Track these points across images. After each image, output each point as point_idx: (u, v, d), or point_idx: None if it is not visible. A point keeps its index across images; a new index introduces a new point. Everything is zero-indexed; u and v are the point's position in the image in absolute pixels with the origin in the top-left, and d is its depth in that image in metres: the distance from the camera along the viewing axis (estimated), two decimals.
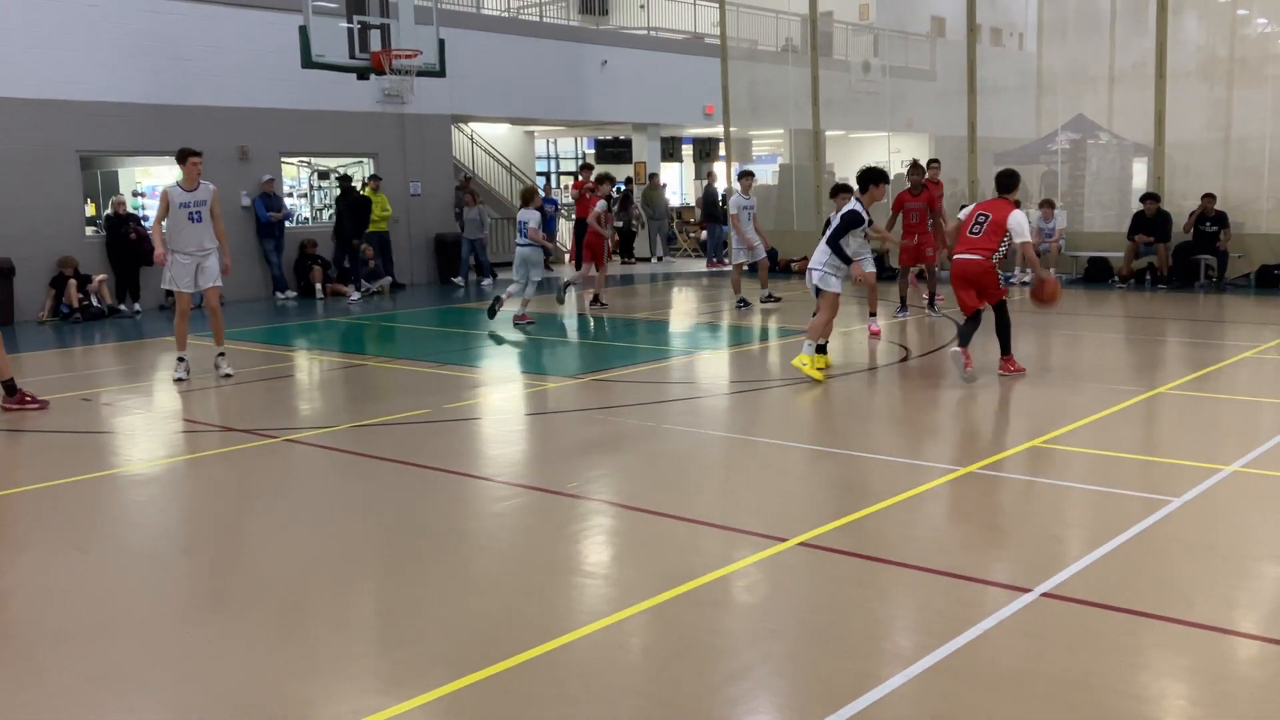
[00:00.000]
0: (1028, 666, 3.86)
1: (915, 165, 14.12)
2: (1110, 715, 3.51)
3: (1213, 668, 3.87)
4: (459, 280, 20.81)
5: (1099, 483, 6.12)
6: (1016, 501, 5.98)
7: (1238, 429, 7.60)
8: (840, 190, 11.11)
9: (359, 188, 19.18)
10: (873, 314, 12.18)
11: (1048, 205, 17.70)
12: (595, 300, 15.76)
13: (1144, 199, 16.73)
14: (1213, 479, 6.09)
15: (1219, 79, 17.88)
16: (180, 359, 10.21)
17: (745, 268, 15.51)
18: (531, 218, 13.70)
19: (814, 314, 9.92)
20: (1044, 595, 4.46)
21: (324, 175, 22.05)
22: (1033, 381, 9.60)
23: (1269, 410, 8.13)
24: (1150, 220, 16.42)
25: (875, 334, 12.07)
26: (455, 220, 21.36)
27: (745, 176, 15.30)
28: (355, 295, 18.10)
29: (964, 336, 9.43)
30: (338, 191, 19.39)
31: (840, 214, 9.90)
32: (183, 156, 10.26)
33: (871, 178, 10.04)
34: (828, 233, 9.88)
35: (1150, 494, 5.90)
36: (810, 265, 9.96)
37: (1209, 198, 16.05)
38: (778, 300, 15.32)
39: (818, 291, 9.81)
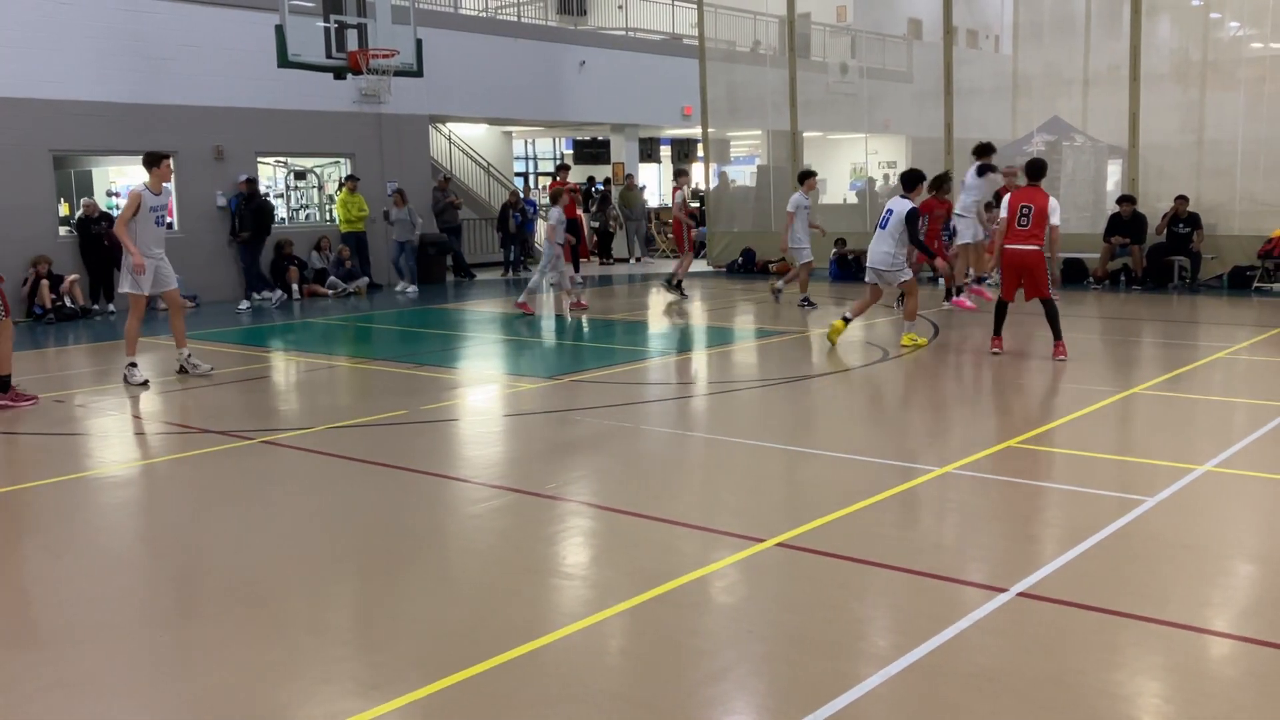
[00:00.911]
0: (1004, 666, 3.88)
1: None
2: (1086, 713, 3.53)
3: (1186, 665, 3.91)
4: (401, 287, 19.50)
5: (1074, 483, 6.17)
6: (993, 501, 6.01)
7: (1211, 429, 7.67)
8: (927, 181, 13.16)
9: (263, 190, 18.58)
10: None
11: None
12: (675, 284, 16.93)
13: (1120, 201, 16.86)
14: (1186, 478, 6.14)
15: (1192, 82, 18.06)
16: (134, 364, 10.07)
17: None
18: (554, 216, 14.72)
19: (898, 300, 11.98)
20: (1020, 595, 4.48)
21: (301, 175, 21.95)
22: (1009, 382, 9.66)
23: (1242, 410, 8.20)
24: (1126, 222, 16.55)
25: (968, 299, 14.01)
26: (435, 220, 21.30)
27: (808, 176, 15.38)
28: (245, 305, 16.94)
29: (998, 326, 10.43)
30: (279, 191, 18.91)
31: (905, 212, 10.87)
32: (157, 159, 10.13)
33: (928, 181, 11.65)
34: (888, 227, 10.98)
35: (1125, 494, 5.94)
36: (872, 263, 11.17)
37: (1181, 199, 16.19)
38: (813, 305, 14.79)
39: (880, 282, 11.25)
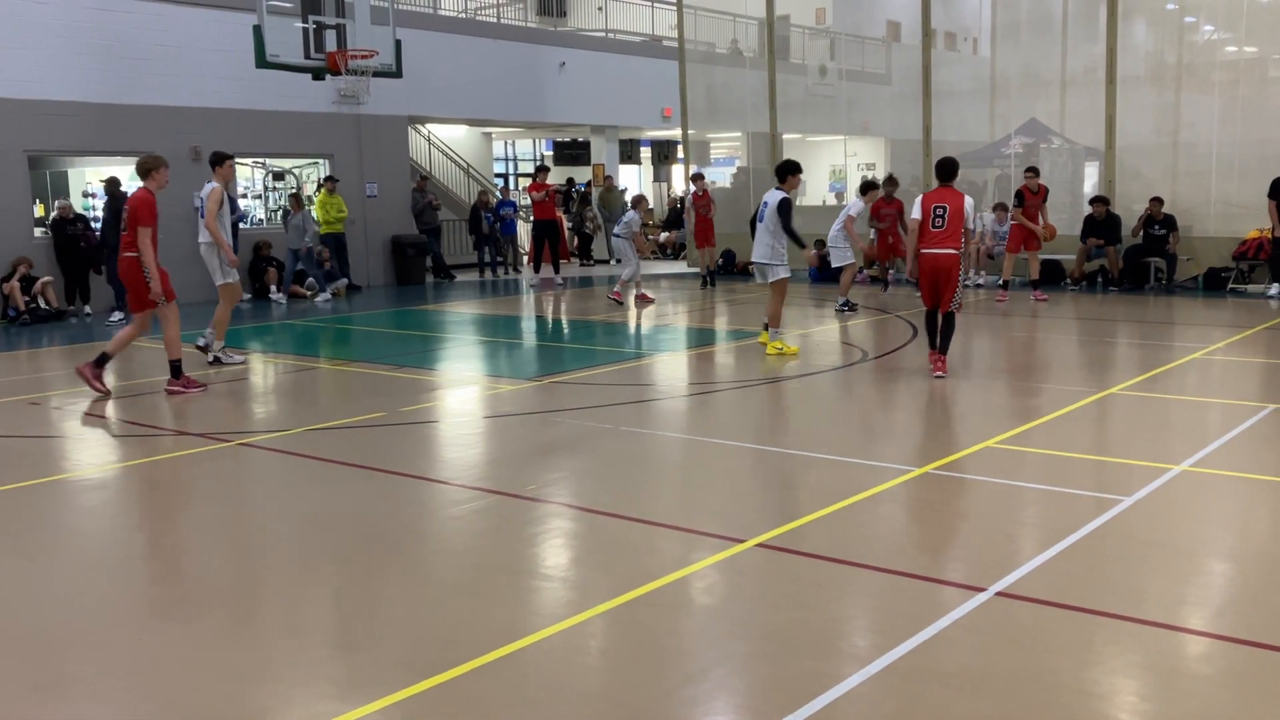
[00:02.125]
0: (983, 665, 3.90)
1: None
2: (1063, 712, 3.55)
3: (1162, 664, 3.94)
4: (277, 296, 18.13)
5: (1052, 482, 6.20)
6: (971, 501, 6.04)
7: (1187, 429, 7.73)
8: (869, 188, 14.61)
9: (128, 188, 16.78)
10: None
11: (1001, 209, 17.90)
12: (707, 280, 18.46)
13: (1093, 202, 16.98)
14: (1163, 478, 6.18)
15: (1167, 84, 18.21)
16: (225, 348, 11.14)
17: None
18: (634, 220, 16.26)
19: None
20: (998, 594, 4.50)
21: (279, 176, 21.84)
22: (986, 382, 9.71)
23: (1217, 410, 8.27)
24: (1100, 223, 16.66)
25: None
26: (414, 221, 21.25)
27: (871, 188, 15.69)
28: (118, 316, 15.22)
29: (932, 338, 9.61)
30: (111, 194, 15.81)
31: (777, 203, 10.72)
32: (222, 159, 11.09)
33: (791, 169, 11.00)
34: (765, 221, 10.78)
35: (1102, 493, 5.98)
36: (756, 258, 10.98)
37: (1156, 201, 16.32)
38: (854, 308, 14.65)
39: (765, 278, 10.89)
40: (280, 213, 20.63)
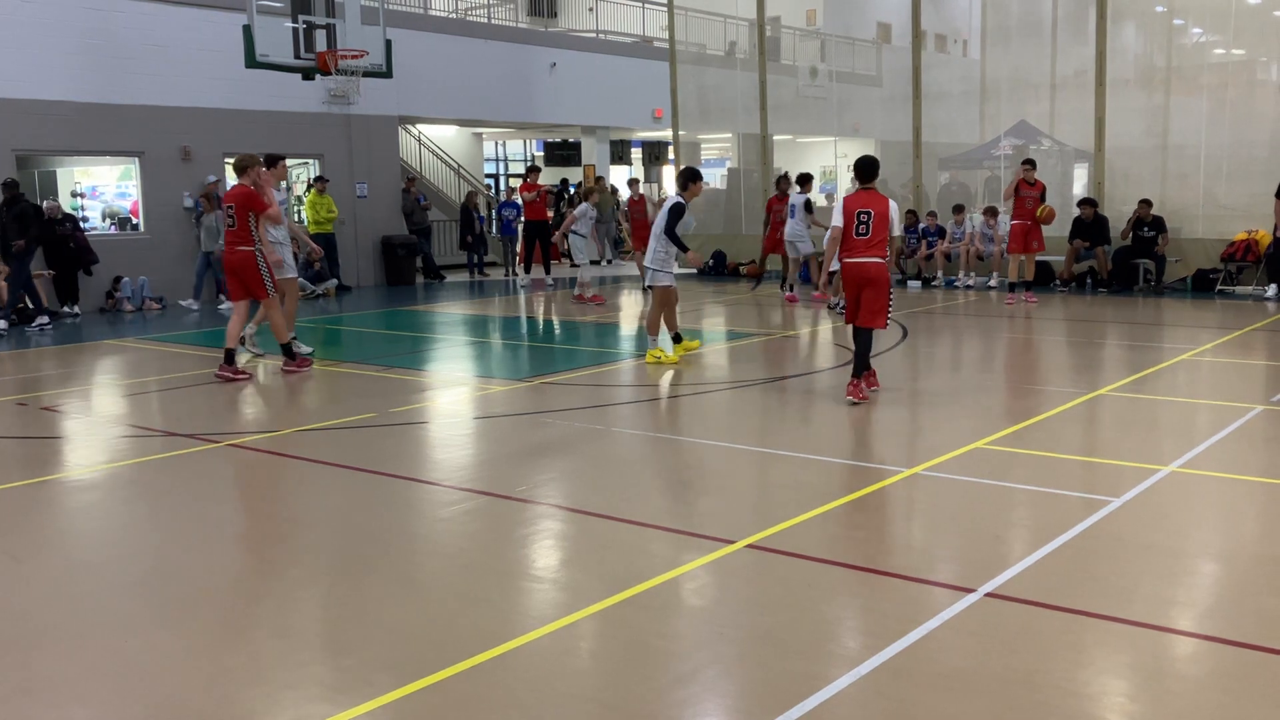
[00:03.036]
0: (972, 665, 3.90)
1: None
2: (1052, 712, 3.56)
3: (1151, 664, 3.94)
4: (190, 304, 17.16)
5: (1041, 483, 6.21)
6: (960, 502, 6.05)
7: (1176, 430, 7.75)
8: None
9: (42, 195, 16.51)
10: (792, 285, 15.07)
11: (991, 212, 17.94)
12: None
13: (1081, 204, 17.02)
14: (1151, 479, 6.20)
15: (1156, 87, 18.27)
16: (294, 336, 11.34)
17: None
18: (588, 212, 16.44)
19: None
20: (988, 595, 4.51)
21: None
22: (976, 383, 9.73)
23: (1205, 411, 8.30)
24: (1088, 225, 16.71)
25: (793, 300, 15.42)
26: (405, 221, 21.21)
27: (807, 180, 15.93)
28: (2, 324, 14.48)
29: (860, 364, 8.59)
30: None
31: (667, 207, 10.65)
32: (275, 160, 11.48)
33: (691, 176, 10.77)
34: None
35: (1091, 494, 6.00)
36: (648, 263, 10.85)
37: (1145, 203, 16.36)
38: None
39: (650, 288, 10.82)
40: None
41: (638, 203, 20.43)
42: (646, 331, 10.80)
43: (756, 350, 11.92)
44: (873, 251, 8.38)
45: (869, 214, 8.37)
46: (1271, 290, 15.28)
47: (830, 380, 10.00)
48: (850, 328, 8.74)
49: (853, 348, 8.73)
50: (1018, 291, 15.25)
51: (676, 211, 10.53)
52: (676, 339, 10.91)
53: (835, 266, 8.90)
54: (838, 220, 8.54)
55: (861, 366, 8.58)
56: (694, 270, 21.73)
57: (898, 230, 8.57)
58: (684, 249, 10.73)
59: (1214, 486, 6.21)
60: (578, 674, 3.99)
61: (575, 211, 16.76)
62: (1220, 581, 4.80)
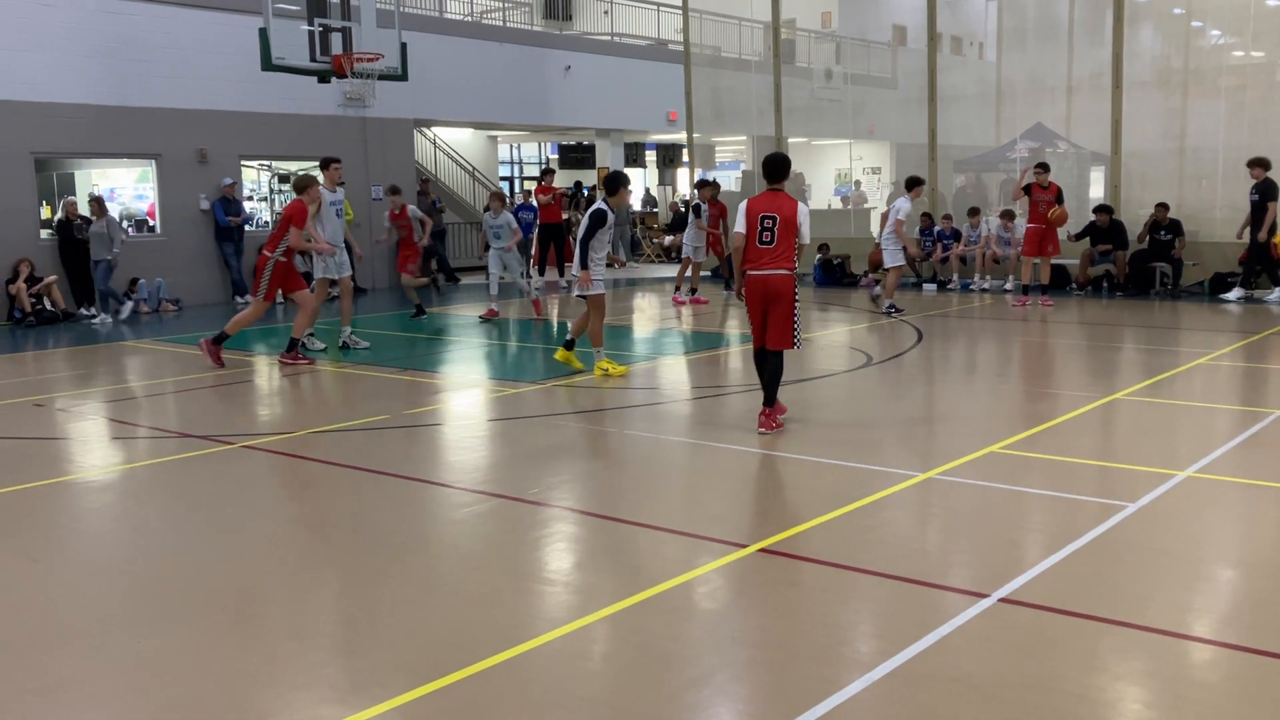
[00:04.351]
0: (986, 671, 3.88)
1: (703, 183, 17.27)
2: (1066, 719, 3.53)
3: (1167, 671, 3.91)
4: (90, 312, 16.28)
5: (1056, 488, 6.18)
6: (974, 507, 6.02)
7: (1192, 434, 7.70)
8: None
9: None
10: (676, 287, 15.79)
11: (1007, 215, 17.87)
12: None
13: (1097, 210, 16.94)
14: (1167, 484, 6.16)
15: (1174, 89, 18.18)
16: (312, 334, 12.04)
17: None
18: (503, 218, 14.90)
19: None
20: (1001, 600, 4.48)
21: (284, 179, 21.86)
22: (991, 387, 9.69)
23: (1222, 416, 8.24)
24: (1104, 231, 16.63)
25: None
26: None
27: (917, 184, 14.76)
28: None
29: (770, 392, 7.77)
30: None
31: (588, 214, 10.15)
32: (328, 163, 12.08)
33: (623, 181, 10.44)
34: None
35: (1106, 499, 5.96)
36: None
37: (1161, 207, 16.27)
38: (900, 311, 14.59)
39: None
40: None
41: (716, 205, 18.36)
42: (592, 343, 10.16)
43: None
44: (778, 262, 7.50)
45: (774, 219, 7.49)
46: (1236, 294, 15.37)
47: (843, 384, 9.97)
48: (755, 353, 7.91)
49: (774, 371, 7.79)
50: (1032, 294, 15.17)
51: (597, 219, 9.94)
52: (569, 345, 10.34)
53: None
54: (740, 226, 7.64)
55: (772, 395, 7.75)
56: (706, 274, 21.72)
57: (807, 238, 7.62)
58: (585, 264, 9.90)
59: (1231, 492, 6.16)
60: (589, 677, 3.99)
61: (497, 220, 14.73)
62: (1237, 587, 4.76)
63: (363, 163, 20.43)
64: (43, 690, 3.91)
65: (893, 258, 14.37)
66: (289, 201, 11.28)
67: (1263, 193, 14.96)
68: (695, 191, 16.67)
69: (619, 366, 10.34)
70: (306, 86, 17.80)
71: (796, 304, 7.61)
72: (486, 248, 15.03)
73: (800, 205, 7.61)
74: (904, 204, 14.45)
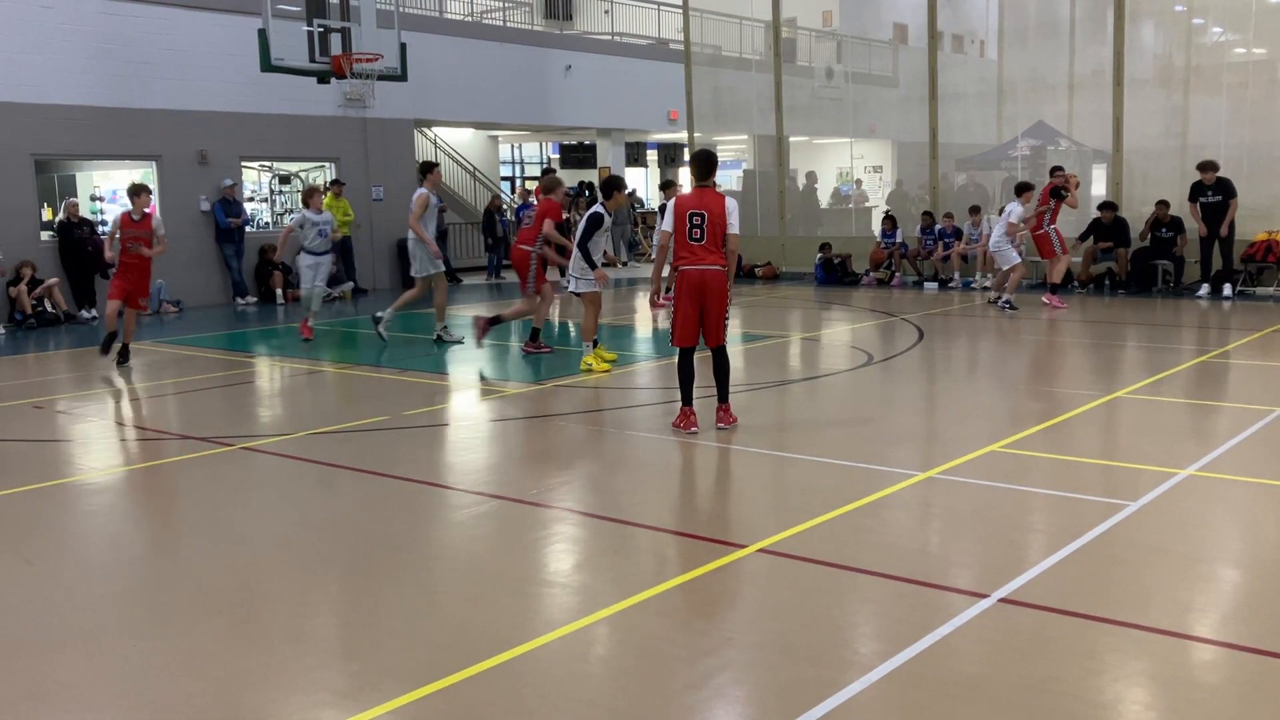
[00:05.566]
0: (986, 672, 3.86)
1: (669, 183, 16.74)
2: None
3: (1168, 672, 3.89)
4: (91, 314, 16.15)
5: (1057, 487, 6.16)
6: (975, 506, 6.00)
7: (1194, 433, 7.68)
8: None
9: None
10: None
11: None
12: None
13: (1101, 208, 16.91)
14: (1169, 483, 6.14)
15: (1175, 87, 18.15)
16: (446, 326, 12.85)
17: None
18: (327, 221, 13.30)
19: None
20: (1002, 601, 4.47)
21: (285, 180, 21.87)
22: (992, 385, 9.66)
23: (1224, 414, 8.22)
24: (1107, 227, 16.60)
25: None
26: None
27: (1027, 189, 14.95)
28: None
29: (688, 387, 7.81)
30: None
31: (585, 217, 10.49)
32: (430, 168, 12.58)
33: (616, 185, 10.66)
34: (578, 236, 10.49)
35: (1108, 498, 5.94)
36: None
37: (1162, 204, 16.24)
38: (1015, 309, 14.65)
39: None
40: (286, 216, 20.47)
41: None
42: (584, 338, 10.53)
43: (771, 352, 11.88)
44: (712, 258, 7.52)
45: (703, 215, 7.49)
46: (1205, 289, 15.54)
47: (844, 383, 9.95)
48: (679, 355, 7.85)
49: (710, 372, 7.85)
50: (1059, 294, 15.13)
51: (593, 222, 10.33)
52: (594, 345, 10.65)
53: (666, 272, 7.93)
54: (667, 224, 7.65)
55: (725, 392, 7.83)
56: None
57: (735, 227, 7.58)
58: (593, 266, 10.38)
59: (1233, 490, 6.14)
60: (588, 679, 3.97)
61: (318, 221, 13.08)
62: (1239, 587, 4.74)
63: (363, 163, 20.42)
64: (40, 694, 3.89)
65: (1006, 259, 14.81)
66: (541, 200, 11.83)
67: (1224, 191, 15.25)
68: (661, 192, 16.61)
69: (608, 354, 10.70)
70: (306, 87, 17.79)
71: (730, 300, 7.72)
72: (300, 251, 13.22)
73: (728, 200, 7.62)
74: (1015, 207, 14.86)
